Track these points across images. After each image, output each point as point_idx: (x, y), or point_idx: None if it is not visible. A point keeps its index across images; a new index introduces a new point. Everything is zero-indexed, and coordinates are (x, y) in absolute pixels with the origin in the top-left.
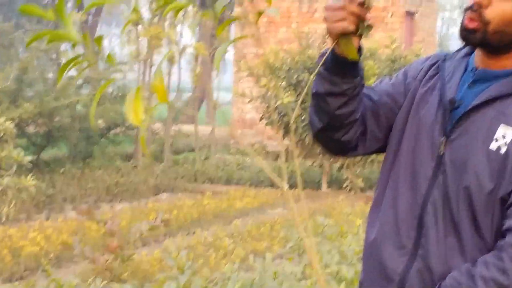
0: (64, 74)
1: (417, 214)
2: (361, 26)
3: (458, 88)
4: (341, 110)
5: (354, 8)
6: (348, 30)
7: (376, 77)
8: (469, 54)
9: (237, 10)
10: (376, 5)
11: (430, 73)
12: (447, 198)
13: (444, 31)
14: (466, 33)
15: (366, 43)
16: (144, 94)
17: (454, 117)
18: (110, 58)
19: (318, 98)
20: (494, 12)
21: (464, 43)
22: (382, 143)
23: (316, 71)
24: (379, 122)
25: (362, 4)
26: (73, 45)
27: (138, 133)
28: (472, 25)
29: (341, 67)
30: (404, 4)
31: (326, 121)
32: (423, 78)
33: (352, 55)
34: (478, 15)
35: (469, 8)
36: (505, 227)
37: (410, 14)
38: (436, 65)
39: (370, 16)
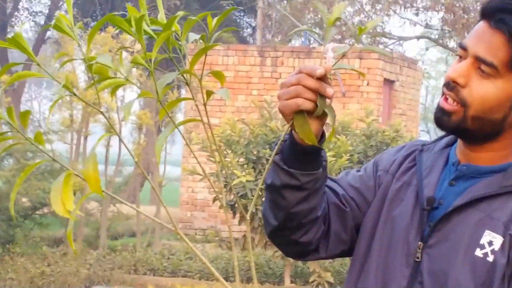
0: None
1: None
2: (320, 104)
3: (438, 185)
4: (299, 207)
5: (310, 82)
6: (301, 107)
7: (349, 155)
8: (451, 144)
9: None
10: (350, 72)
11: (404, 165)
12: None
13: (429, 102)
14: (440, 115)
15: (339, 115)
16: (76, 172)
17: (433, 219)
18: (39, 137)
19: (273, 191)
20: (473, 94)
21: (439, 127)
22: (347, 246)
23: (270, 159)
24: (345, 221)
25: (321, 78)
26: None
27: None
28: (448, 106)
29: (299, 157)
30: (382, 71)
31: (281, 218)
32: (397, 172)
33: (309, 139)
34: (456, 95)
35: (446, 85)
36: None
37: (389, 83)
38: (412, 157)
39: (331, 93)
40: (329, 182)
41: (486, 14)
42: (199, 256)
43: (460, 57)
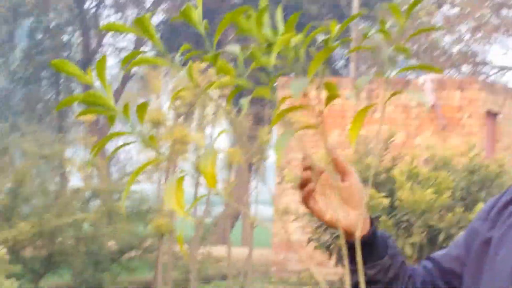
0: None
1: None
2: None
3: None
4: None
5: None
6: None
7: (450, 192)
8: None
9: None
10: (450, 104)
11: (510, 208)
12: None
13: None
14: None
15: (440, 150)
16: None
17: None
18: (152, 140)
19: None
20: None
21: None
22: None
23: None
24: None
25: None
26: (110, 119)
27: (159, 256)
28: None
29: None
30: (484, 103)
31: None
32: (500, 217)
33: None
34: None
35: None
36: None
37: (491, 115)
38: None
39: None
40: (425, 263)
41: None
42: None
43: None
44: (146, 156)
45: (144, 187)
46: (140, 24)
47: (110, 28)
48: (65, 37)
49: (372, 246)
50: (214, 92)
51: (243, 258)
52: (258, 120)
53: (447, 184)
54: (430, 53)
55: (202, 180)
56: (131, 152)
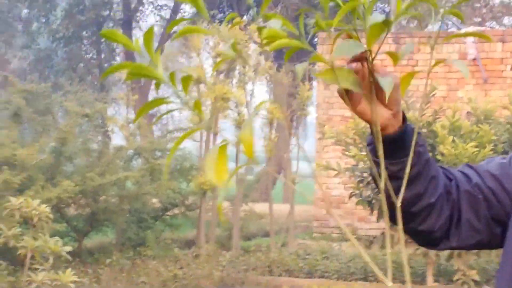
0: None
1: None
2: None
3: None
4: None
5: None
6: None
7: (492, 145)
8: None
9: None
10: (492, 57)
11: None
12: None
13: None
14: None
15: (481, 103)
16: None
17: None
18: (198, 105)
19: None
20: None
21: None
22: (483, 236)
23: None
24: (478, 209)
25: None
26: (157, 85)
27: (201, 213)
28: None
29: (384, 146)
30: None
31: (390, 208)
32: None
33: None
34: None
35: None
36: None
37: None
38: None
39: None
40: (465, 169)
41: None
42: (363, 256)
43: None
44: (188, 114)
45: (187, 144)
46: None
47: None
48: None
49: (399, 142)
50: (254, 49)
51: (285, 214)
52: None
53: (489, 137)
54: (472, 4)
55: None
56: (174, 112)
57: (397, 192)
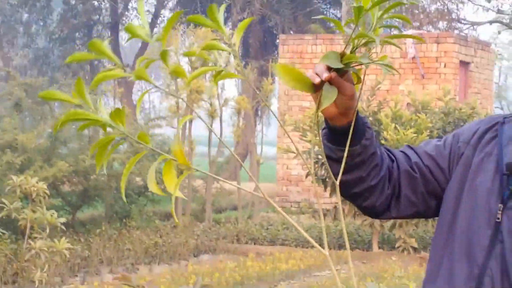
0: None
1: (473, 285)
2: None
3: None
4: (343, 178)
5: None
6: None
7: (429, 131)
8: None
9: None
10: (428, 56)
11: (487, 137)
12: (506, 270)
13: (502, 81)
14: None
15: (419, 95)
16: (182, 149)
17: None
18: (143, 137)
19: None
20: None
21: None
22: (419, 208)
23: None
24: (415, 186)
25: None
26: (104, 128)
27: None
28: None
29: (333, 134)
30: (457, 54)
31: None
32: (479, 144)
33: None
34: None
35: None
36: None
37: (464, 65)
38: (494, 129)
39: (317, 81)
40: (406, 150)
41: None
42: (295, 226)
43: None
44: (167, 104)
45: (166, 131)
46: None
47: None
48: (95, 3)
49: (347, 134)
50: (225, 48)
51: (251, 190)
52: (262, 73)
53: (426, 124)
54: (412, 11)
55: (214, 125)
56: (154, 102)
57: (339, 173)
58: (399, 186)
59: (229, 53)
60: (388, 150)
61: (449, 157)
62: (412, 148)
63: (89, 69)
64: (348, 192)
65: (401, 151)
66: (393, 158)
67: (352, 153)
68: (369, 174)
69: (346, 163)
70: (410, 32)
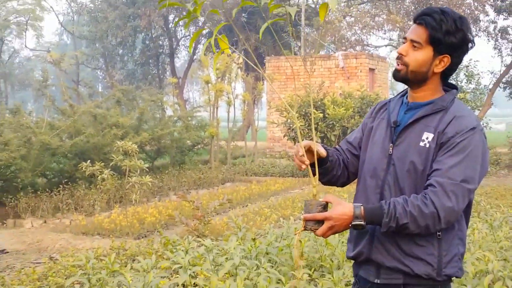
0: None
1: (378, 191)
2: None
3: (398, 115)
4: (326, 178)
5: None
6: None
7: (352, 109)
8: (404, 94)
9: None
10: (351, 65)
11: (381, 110)
12: (397, 179)
13: (393, 80)
14: (394, 72)
15: (347, 88)
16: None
17: (397, 131)
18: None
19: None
20: (411, 59)
21: (394, 79)
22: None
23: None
24: (353, 163)
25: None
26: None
27: (211, 147)
28: (398, 67)
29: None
30: (368, 64)
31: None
32: (377, 114)
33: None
34: (402, 61)
35: (397, 57)
36: (426, 184)
37: (371, 70)
38: (385, 105)
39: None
40: (346, 145)
41: (415, 19)
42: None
43: (404, 42)
44: (204, 98)
45: (203, 114)
46: None
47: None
48: (160, 42)
49: (324, 162)
50: (235, 66)
51: (252, 146)
52: (257, 79)
53: (350, 105)
54: (340, 40)
55: (230, 109)
56: (195, 97)
57: (321, 173)
58: (347, 168)
59: (238, 68)
60: (340, 148)
61: (362, 133)
62: (346, 140)
63: (158, 82)
64: (323, 179)
65: (345, 142)
66: (341, 152)
67: (325, 169)
68: (335, 173)
69: (324, 174)
70: (340, 52)
